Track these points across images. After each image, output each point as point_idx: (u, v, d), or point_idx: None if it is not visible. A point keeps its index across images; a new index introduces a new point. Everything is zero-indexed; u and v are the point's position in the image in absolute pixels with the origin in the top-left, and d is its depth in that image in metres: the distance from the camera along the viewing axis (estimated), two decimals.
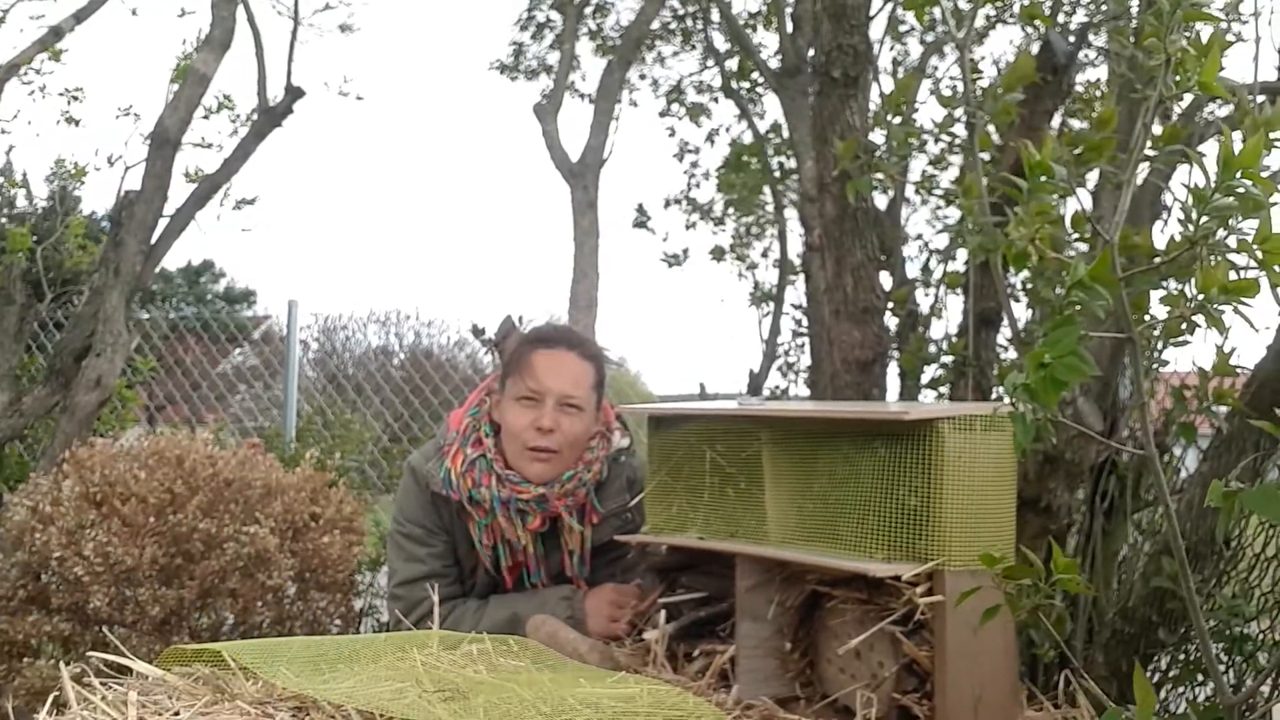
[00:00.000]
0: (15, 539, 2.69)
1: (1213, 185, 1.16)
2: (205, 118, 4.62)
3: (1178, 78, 1.29)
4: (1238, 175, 1.16)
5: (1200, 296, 1.24)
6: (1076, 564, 1.38)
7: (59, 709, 1.28)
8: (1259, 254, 1.19)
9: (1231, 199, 1.17)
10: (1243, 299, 1.22)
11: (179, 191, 3.73)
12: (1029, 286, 2.14)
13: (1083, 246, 1.77)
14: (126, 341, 3.49)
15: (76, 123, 4.85)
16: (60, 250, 4.41)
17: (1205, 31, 1.28)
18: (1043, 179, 1.31)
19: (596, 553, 2.09)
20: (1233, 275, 1.24)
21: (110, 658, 1.40)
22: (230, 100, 4.67)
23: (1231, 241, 1.19)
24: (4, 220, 4.05)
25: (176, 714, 1.24)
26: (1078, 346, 1.22)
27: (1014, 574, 1.38)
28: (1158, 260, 1.34)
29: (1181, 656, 1.86)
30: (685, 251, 6.30)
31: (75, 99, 4.79)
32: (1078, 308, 1.25)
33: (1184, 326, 1.56)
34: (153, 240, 3.60)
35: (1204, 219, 1.19)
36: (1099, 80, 2.61)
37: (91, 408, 3.39)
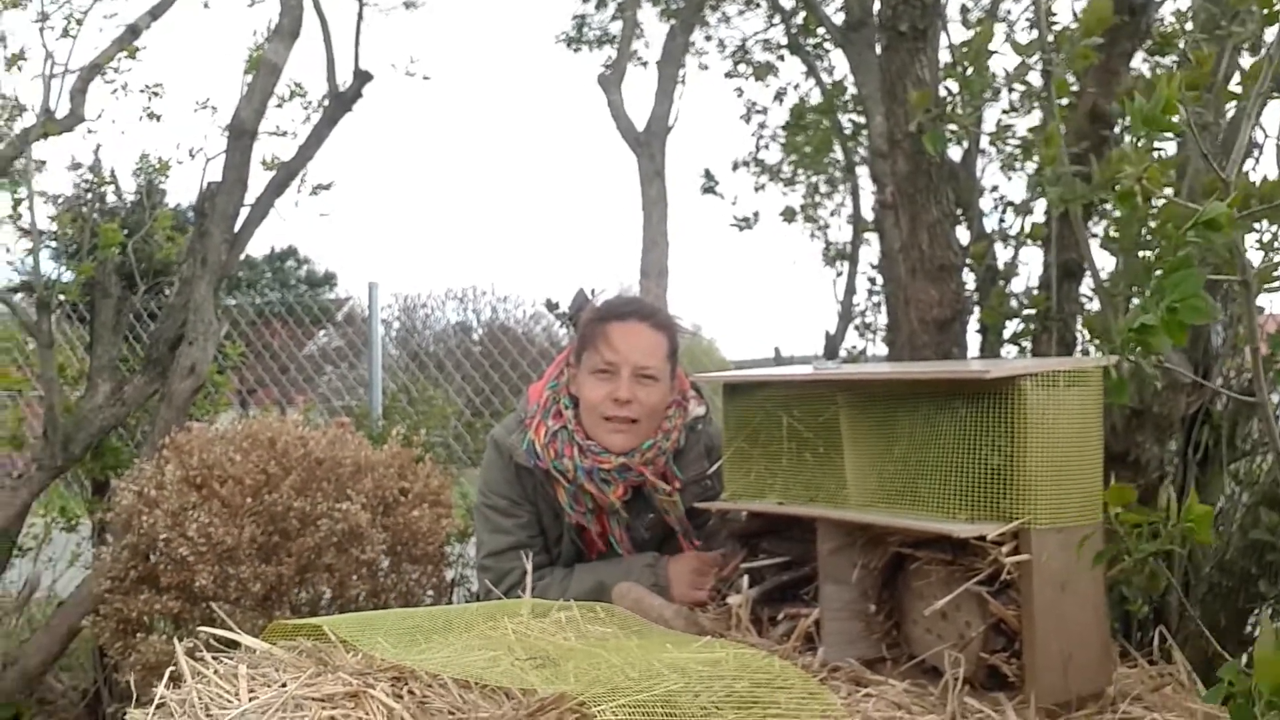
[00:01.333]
0: (124, 522, 2.81)
1: None
2: (279, 106, 4.71)
3: (1266, 11, 1.24)
4: None
5: None
6: (1210, 512, 1.35)
7: (175, 682, 1.35)
8: None
9: None
10: None
11: (258, 180, 3.81)
12: (1111, 235, 2.08)
13: (1169, 191, 1.71)
14: (217, 329, 3.60)
15: (158, 118, 4.99)
16: (150, 243, 4.56)
17: None
18: (1162, 117, 1.26)
19: (671, 532, 2.11)
20: None
21: (219, 632, 1.47)
22: (301, 88, 4.76)
23: None
24: (96, 216, 4.19)
25: (284, 685, 1.29)
26: (1200, 288, 1.18)
27: (1132, 520, 1.35)
28: (1272, 204, 1.29)
29: None
30: (756, 214, 6.23)
31: (155, 95, 4.93)
32: (1194, 250, 1.21)
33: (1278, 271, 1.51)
34: (236, 229, 3.70)
35: None
36: (1185, 12, 2.50)
37: (187, 394, 3.52)
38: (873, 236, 4.88)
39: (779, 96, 6.23)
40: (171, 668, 1.36)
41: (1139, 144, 1.33)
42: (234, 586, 2.66)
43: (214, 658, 1.40)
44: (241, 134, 3.68)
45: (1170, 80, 1.26)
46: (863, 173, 5.48)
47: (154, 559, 2.78)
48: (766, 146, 6.29)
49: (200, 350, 3.51)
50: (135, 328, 5.40)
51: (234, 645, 1.47)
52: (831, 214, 6.12)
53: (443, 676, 1.31)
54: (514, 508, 2.13)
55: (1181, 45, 2.05)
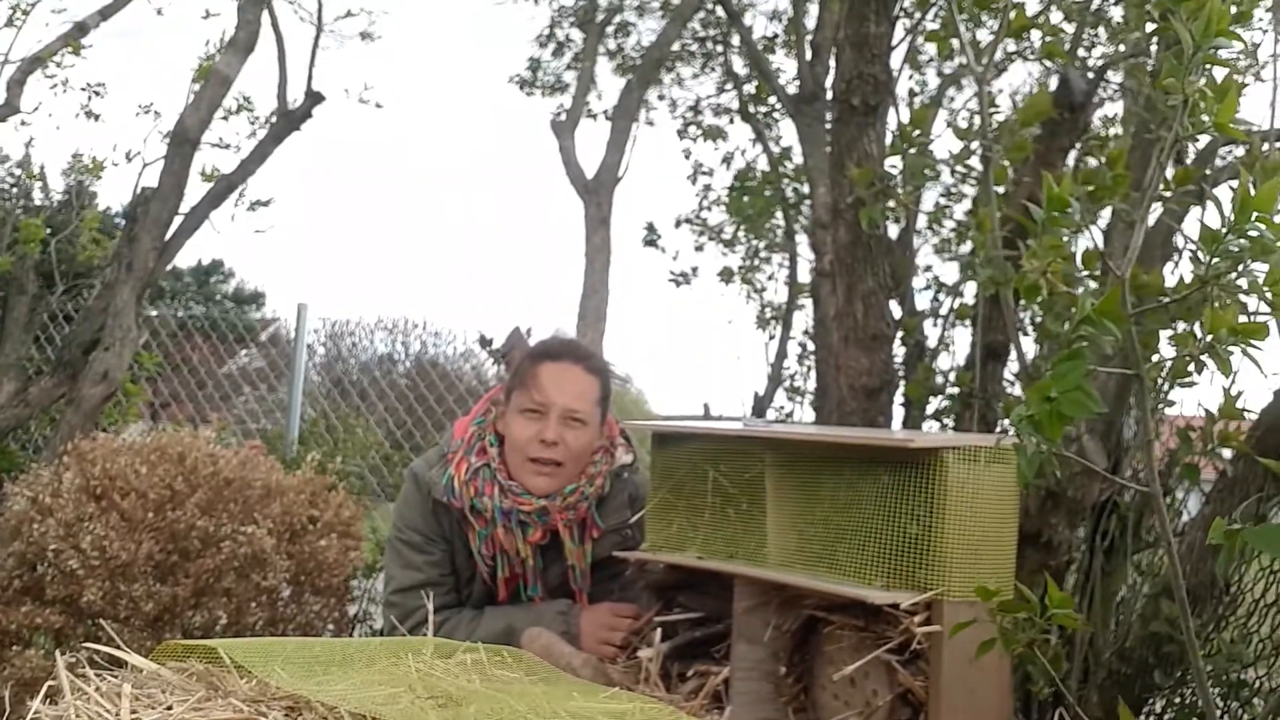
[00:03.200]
0: (13, 529, 2.69)
1: (1226, 227, 1.17)
2: (224, 119, 4.65)
3: (1192, 120, 1.30)
4: (1252, 218, 1.16)
5: (1209, 338, 1.25)
6: (1073, 599, 1.38)
7: (52, 697, 1.28)
8: (1269, 296, 1.19)
9: (1244, 241, 1.17)
10: (1252, 342, 1.23)
11: (195, 190, 3.75)
12: (1038, 321, 2.14)
13: (1093, 284, 1.78)
14: (135, 337, 3.50)
15: (96, 117, 4.87)
16: (74, 244, 4.43)
17: (1221, 75, 1.29)
18: (1058, 214, 1.32)
19: (595, 568, 2.09)
20: (1242, 319, 1.25)
21: (104, 649, 1.40)
22: (250, 102, 4.70)
23: (1243, 283, 1.19)
24: (19, 212, 4.06)
25: (170, 708, 1.24)
26: (1084, 381, 1.22)
27: (1010, 608, 1.38)
28: (1167, 299, 1.34)
29: (1177, 700, 1.85)
30: (694, 270, 6.31)
31: (97, 94, 4.82)
32: (1085, 343, 1.25)
33: (1191, 367, 1.57)
34: (166, 237, 3.61)
35: (1216, 260, 1.20)
36: (1115, 116, 2.62)
37: (97, 401, 3.40)
38: (807, 303, 4.97)
39: (726, 160, 6.35)
40: (51, 681, 1.29)
41: (1044, 238, 1.38)
42: (124, 604, 2.55)
43: (97, 674, 1.33)
44: (184, 142, 3.62)
45: (1065, 176, 1.32)
46: (802, 240, 5.59)
47: (41, 569, 2.66)
48: (710, 208, 6.40)
49: (115, 357, 3.40)
50: (48, 328, 5.21)
51: (119, 664, 1.40)
52: (769, 278, 6.23)
53: (340, 710, 1.26)
54: (427, 544, 2.09)
55: (1107, 147, 2.14)
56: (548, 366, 2.04)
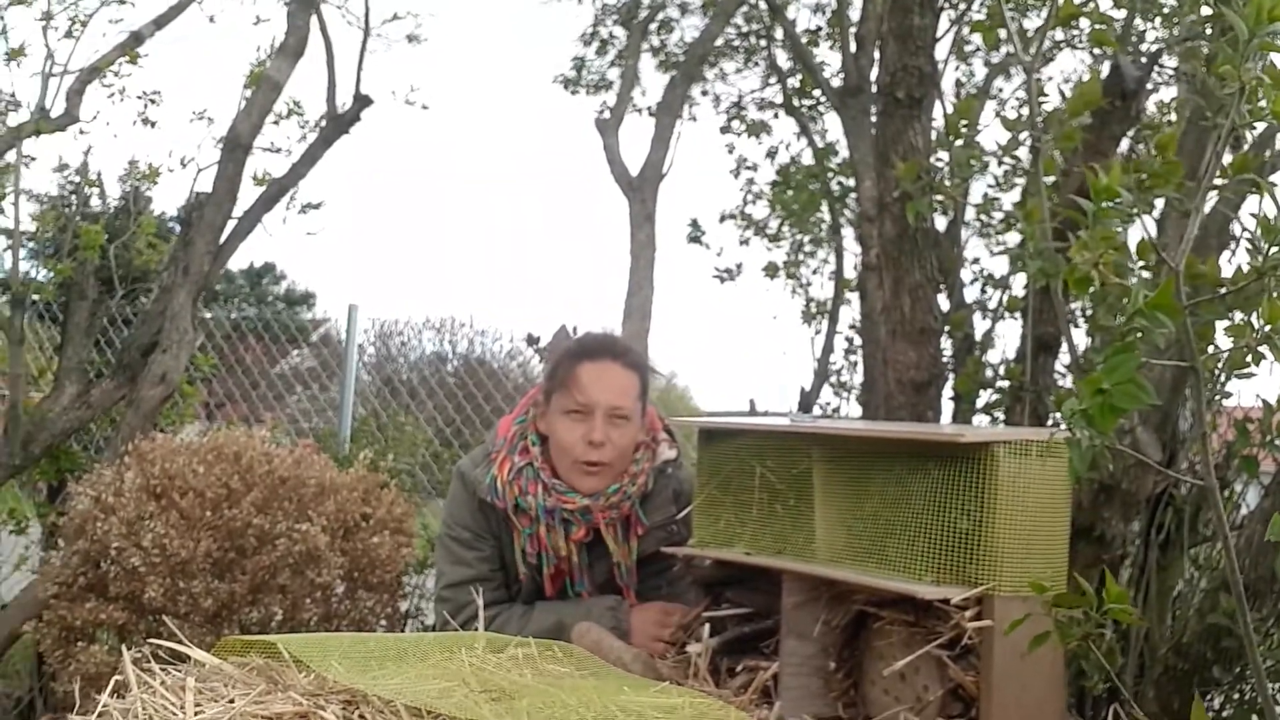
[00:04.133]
0: (77, 527, 2.76)
1: None
2: (275, 123, 4.71)
3: (1249, 107, 1.28)
4: None
5: (1267, 328, 1.22)
6: (1129, 594, 1.36)
7: (119, 691, 1.31)
8: None
9: None
10: None
11: (247, 194, 3.81)
12: (1089, 313, 2.12)
13: (1146, 275, 1.75)
14: (192, 339, 3.57)
15: (153, 125, 4.97)
16: (131, 249, 4.53)
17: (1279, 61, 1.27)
18: (1108, 204, 1.30)
19: (642, 564, 2.09)
20: None
21: (168, 644, 1.44)
22: (300, 107, 4.77)
23: None
24: (79, 218, 4.17)
25: (232, 701, 1.27)
26: (1136, 374, 1.20)
27: (1064, 602, 1.36)
28: (1224, 290, 1.32)
29: (1236, 696, 1.82)
30: (739, 266, 6.29)
31: (153, 102, 4.92)
32: (1138, 335, 1.23)
33: (1249, 359, 1.54)
34: (220, 241, 3.68)
35: (1274, 249, 1.17)
36: (1170, 102, 2.57)
37: (155, 402, 3.48)
38: (853, 297, 4.93)
39: (770, 154, 6.32)
40: (117, 676, 1.33)
41: (1095, 229, 1.36)
42: (184, 601, 2.61)
43: (161, 669, 1.37)
44: (236, 147, 3.69)
45: (1116, 165, 1.30)
46: (847, 234, 5.55)
47: (104, 567, 2.73)
48: (754, 202, 6.37)
49: (173, 359, 3.48)
50: (108, 332, 5.34)
51: (182, 659, 1.43)
52: (814, 272, 6.19)
53: (395, 703, 1.29)
54: (476, 541, 2.11)
55: (1158, 135, 2.10)
56: (586, 366, 2.03)
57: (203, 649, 1.47)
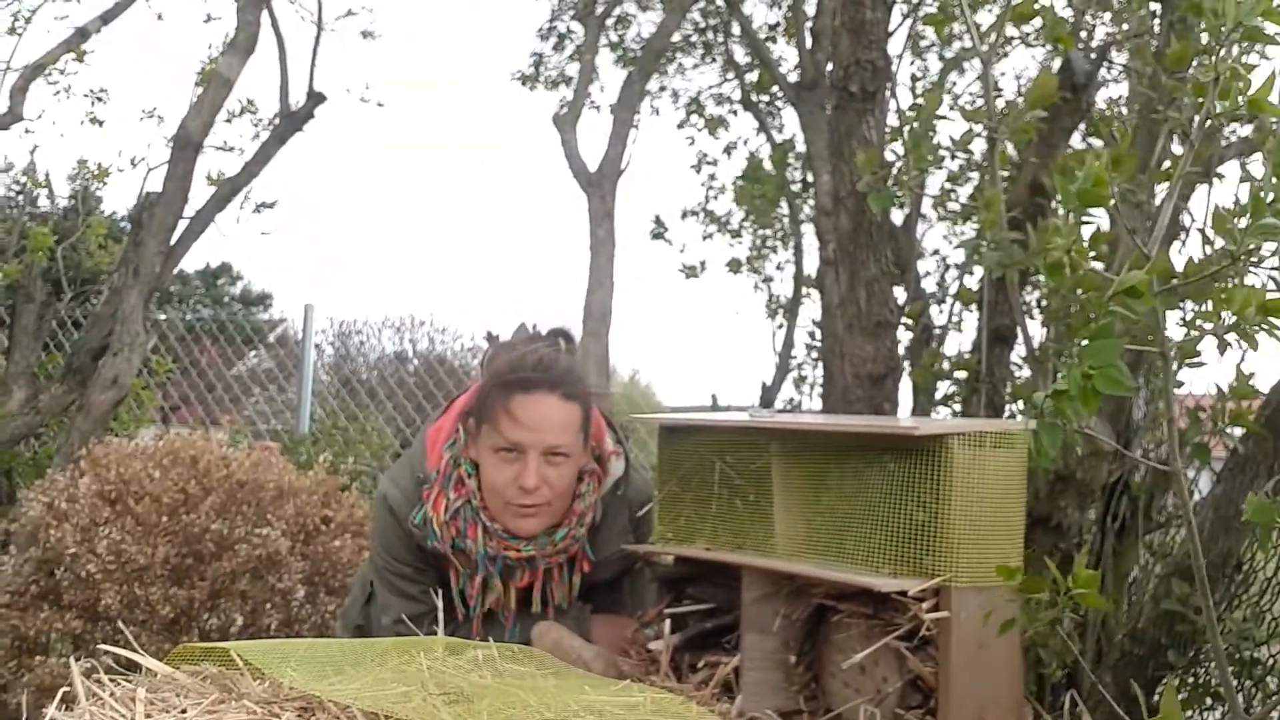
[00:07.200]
0: (30, 535, 2.71)
1: (1269, 199, 1.16)
2: (227, 121, 4.66)
3: (1199, 99, 1.29)
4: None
5: (1233, 317, 1.24)
6: (1096, 577, 1.38)
7: (68, 704, 1.29)
8: None
9: (1270, 219, 1.17)
10: (1277, 318, 1.22)
11: (199, 194, 3.76)
12: (1044, 304, 2.14)
13: (1099, 265, 1.77)
14: (144, 341, 3.51)
15: (100, 124, 4.89)
16: (80, 250, 4.45)
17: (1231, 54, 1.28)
18: (1084, 188, 1.30)
19: (594, 588, 1.98)
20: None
21: (120, 652, 1.41)
22: (253, 104, 4.71)
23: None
24: (26, 219, 4.08)
25: (184, 711, 1.25)
26: (1118, 360, 1.21)
27: (1031, 587, 1.37)
28: (1195, 278, 1.33)
29: (1190, 680, 1.85)
30: (703, 264, 6.31)
31: (100, 100, 4.84)
32: (1111, 321, 1.24)
33: (1201, 346, 1.56)
34: (172, 242, 3.62)
35: (1246, 237, 1.19)
36: (1119, 98, 2.60)
37: (107, 406, 3.42)
38: (814, 292, 4.96)
39: (729, 150, 6.34)
40: (66, 687, 1.30)
41: (1069, 217, 1.38)
42: (141, 608, 2.58)
43: (112, 680, 1.34)
44: (187, 145, 3.63)
45: (1100, 157, 1.31)
46: (808, 229, 5.58)
47: (58, 575, 2.68)
48: (716, 197, 6.39)
49: (125, 362, 3.42)
50: (57, 335, 5.24)
51: (136, 669, 1.41)
52: (777, 268, 6.23)
53: (352, 708, 1.27)
54: (420, 575, 1.92)
55: (1114, 126, 2.13)
56: (519, 401, 1.79)
57: (161, 657, 1.45)
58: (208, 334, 6.12)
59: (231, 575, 2.62)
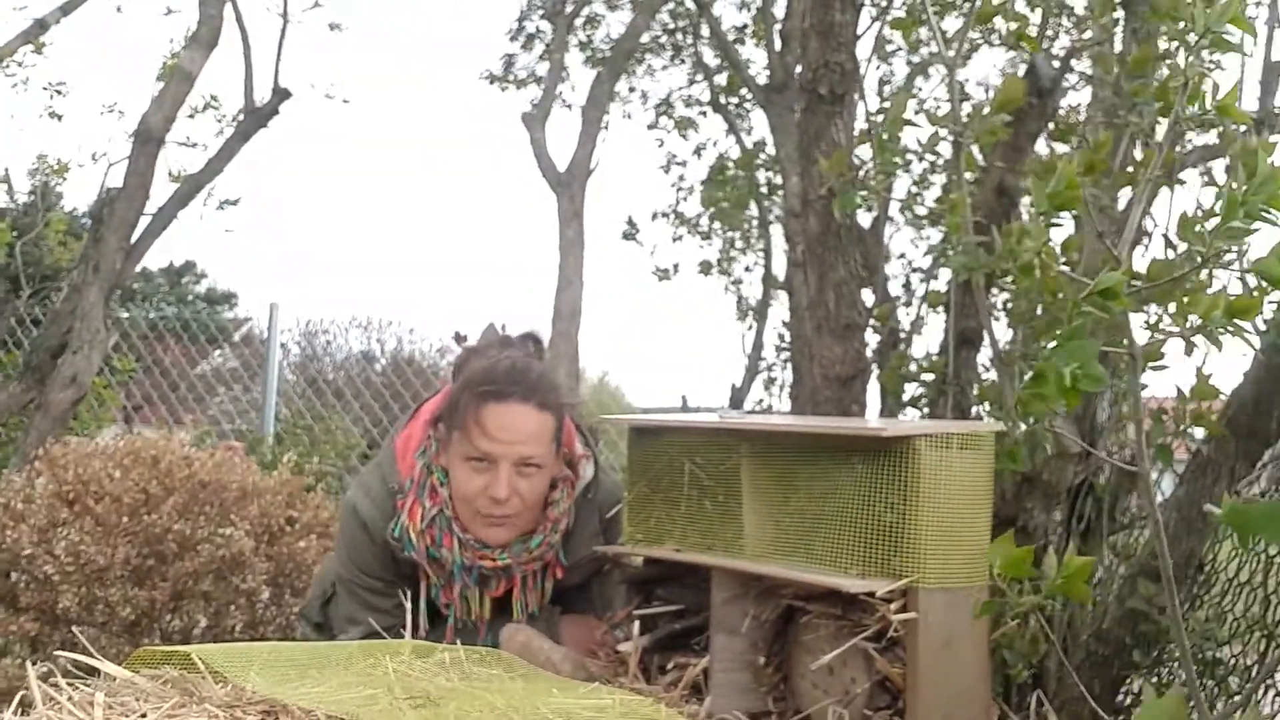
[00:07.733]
0: None
1: (1240, 199, 1.17)
2: (190, 117, 4.61)
3: (1164, 104, 1.31)
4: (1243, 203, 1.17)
5: (1199, 320, 1.25)
6: (1089, 565, 1.39)
7: (24, 709, 1.26)
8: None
9: (1239, 223, 1.18)
10: (1243, 320, 1.24)
11: (162, 190, 3.71)
12: (1010, 306, 2.15)
13: (1065, 268, 1.78)
14: (104, 339, 3.46)
15: (59, 118, 4.82)
16: (40, 246, 4.38)
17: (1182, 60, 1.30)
18: (1064, 193, 1.31)
19: (567, 590, 1.98)
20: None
21: (78, 657, 1.39)
22: (216, 100, 4.66)
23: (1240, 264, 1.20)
24: None
25: (144, 715, 1.22)
26: (1094, 360, 1.22)
27: (1014, 569, 1.37)
28: (1164, 280, 1.35)
29: (1155, 679, 1.87)
30: (676, 266, 6.33)
31: (59, 93, 4.77)
32: (1083, 322, 1.25)
33: (1165, 349, 1.58)
34: (134, 239, 3.57)
35: (1215, 240, 1.20)
36: (1079, 106, 2.64)
37: (66, 405, 3.36)
38: (783, 294, 4.98)
39: (698, 151, 6.35)
40: (23, 691, 1.28)
41: (1040, 220, 1.39)
42: (101, 610, 2.53)
43: (70, 684, 1.31)
44: (148, 140, 3.58)
45: (1071, 161, 1.32)
46: (777, 231, 5.60)
47: (14, 577, 2.63)
48: (685, 199, 6.40)
49: (84, 360, 3.36)
50: (15, 333, 5.15)
51: (94, 672, 1.38)
52: (746, 270, 6.25)
53: (316, 713, 1.25)
54: (389, 589, 1.89)
55: (1081, 132, 2.15)
56: (492, 409, 1.77)
57: (122, 660, 1.42)
58: (171, 333, 6.04)
59: (194, 576, 2.59)
